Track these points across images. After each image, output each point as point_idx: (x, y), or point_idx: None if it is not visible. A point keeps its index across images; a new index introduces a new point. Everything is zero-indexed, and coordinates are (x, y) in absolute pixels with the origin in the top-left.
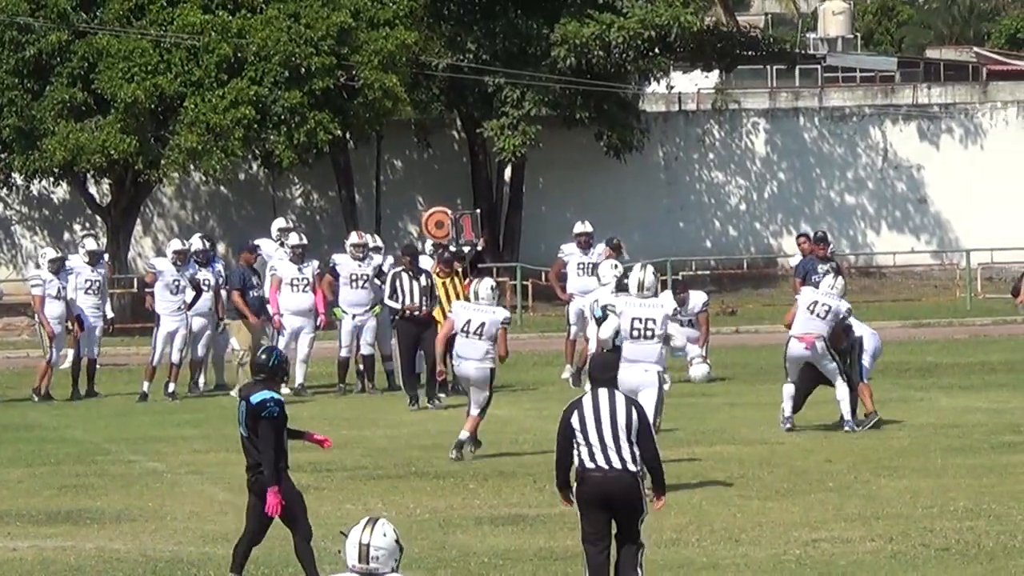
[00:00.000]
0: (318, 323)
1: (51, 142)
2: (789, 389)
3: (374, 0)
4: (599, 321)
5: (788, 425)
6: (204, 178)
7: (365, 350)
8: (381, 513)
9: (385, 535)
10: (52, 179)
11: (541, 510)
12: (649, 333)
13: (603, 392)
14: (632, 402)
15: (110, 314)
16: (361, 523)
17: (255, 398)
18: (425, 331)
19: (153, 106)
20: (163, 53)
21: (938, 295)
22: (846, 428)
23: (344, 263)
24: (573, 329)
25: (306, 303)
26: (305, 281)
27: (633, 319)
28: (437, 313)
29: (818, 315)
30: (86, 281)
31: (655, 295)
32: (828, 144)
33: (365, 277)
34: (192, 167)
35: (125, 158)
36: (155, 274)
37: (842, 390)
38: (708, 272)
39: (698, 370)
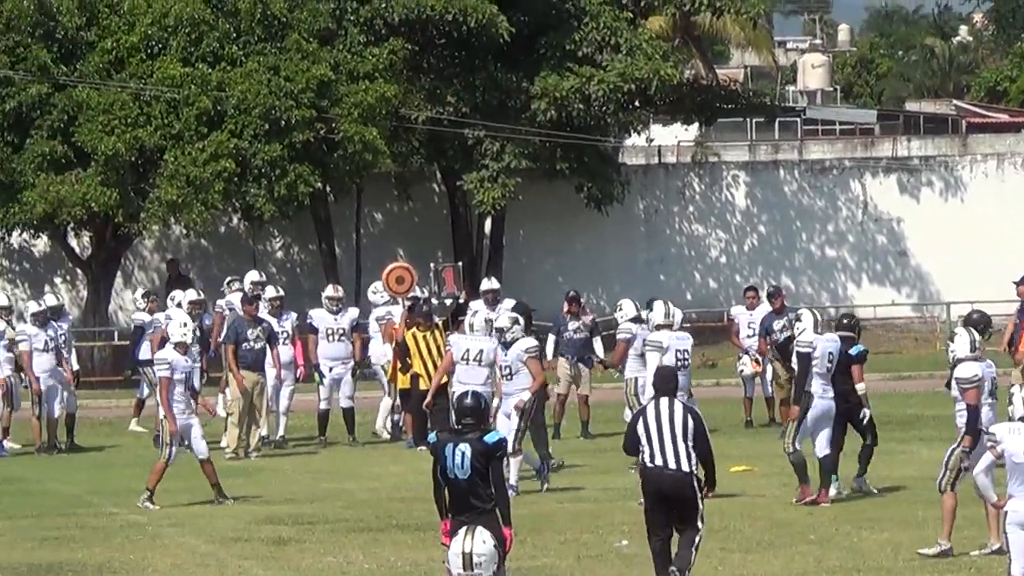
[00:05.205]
0: (297, 376)
1: (31, 195)
2: None
3: (354, 53)
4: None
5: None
6: (184, 231)
7: (344, 403)
8: (362, 566)
9: (485, 542)
10: (32, 232)
11: (523, 562)
12: (687, 363)
13: (664, 401)
14: (688, 410)
15: (75, 366)
16: (461, 533)
17: (491, 438)
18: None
19: (133, 159)
20: (143, 106)
21: (918, 347)
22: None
23: (320, 317)
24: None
25: (286, 356)
26: (285, 334)
27: (677, 351)
28: (418, 367)
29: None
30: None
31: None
32: (808, 197)
33: (341, 331)
34: (172, 220)
35: (105, 211)
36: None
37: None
38: (688, 325)
39: None
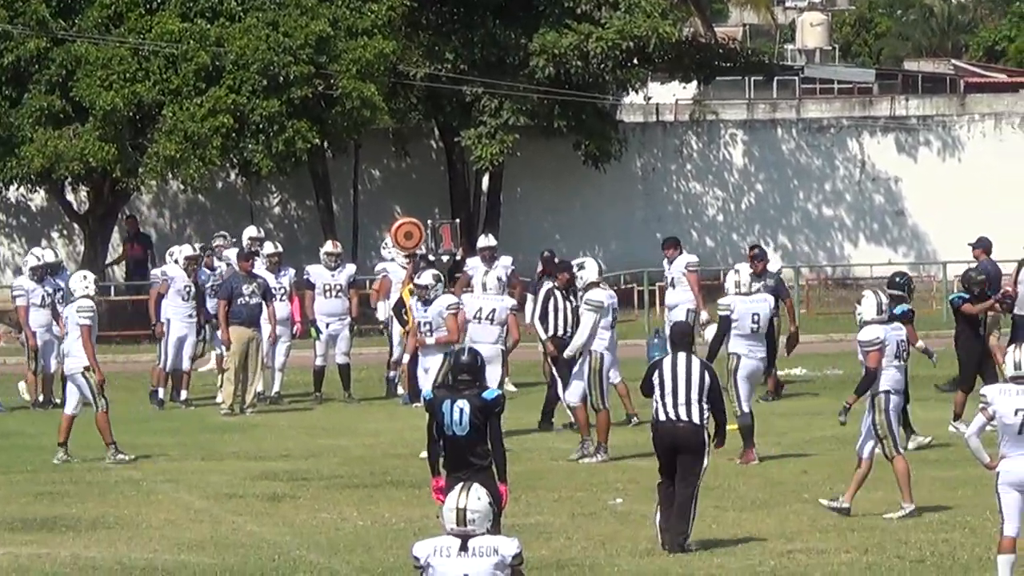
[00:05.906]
0: (294, 332)
1: (29, 149)
2: None
3: (352, 9)
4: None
5: None
6: (182, 186)
7: (340, 359)
8: (356, 522)
9: (479, 499)
10: (30, 186)
11: (517, 520)
12: (615, 321)
13: (681, 356)
14: (706, 366)
15: None
16: (456, 489)
17: (490, 395)
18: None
19: (131, 114)
20: (141, 61)
21: (915, 307)
22: None
23: (317, 273)
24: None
25: (283, 312)
26: (282, 290)
27: (613, 309)
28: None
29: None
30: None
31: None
32: (806, 156)
33: (338, 287)
34: (170, 175)
35: (103, 166)
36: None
37: None
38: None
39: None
